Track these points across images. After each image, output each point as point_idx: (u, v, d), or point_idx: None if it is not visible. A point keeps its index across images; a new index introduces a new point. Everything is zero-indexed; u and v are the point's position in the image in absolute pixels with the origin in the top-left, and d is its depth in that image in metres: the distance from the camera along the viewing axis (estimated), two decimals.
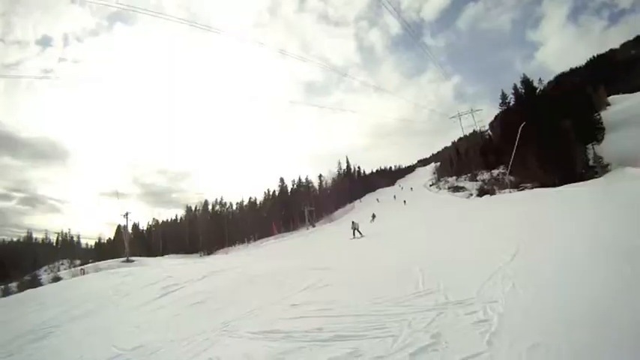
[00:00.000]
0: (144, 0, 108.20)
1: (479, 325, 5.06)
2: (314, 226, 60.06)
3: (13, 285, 42.14)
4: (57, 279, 42.78)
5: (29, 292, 27.83)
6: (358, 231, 24.79)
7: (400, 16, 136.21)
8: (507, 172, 43.63)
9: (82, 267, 51.85)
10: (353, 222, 26.18)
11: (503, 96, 49.29)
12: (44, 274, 54.32)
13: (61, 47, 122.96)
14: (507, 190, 40.45)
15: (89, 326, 12.93)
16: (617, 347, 3.86)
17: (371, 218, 38.92)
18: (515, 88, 46.90)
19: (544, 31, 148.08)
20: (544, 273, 6.96)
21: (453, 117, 70.12)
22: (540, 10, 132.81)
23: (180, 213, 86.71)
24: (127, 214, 57.17)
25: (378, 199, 67.35)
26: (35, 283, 42.19)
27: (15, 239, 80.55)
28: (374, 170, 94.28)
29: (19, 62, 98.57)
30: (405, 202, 55.89)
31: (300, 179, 79.49)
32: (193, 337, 7.93)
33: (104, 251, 72.86)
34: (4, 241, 78.48)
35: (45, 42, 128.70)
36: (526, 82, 45.82)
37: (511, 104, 48.21)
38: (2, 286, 41.41)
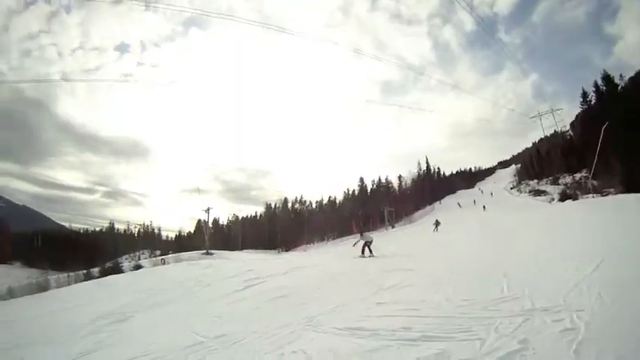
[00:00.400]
0: (217, 4, 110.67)
1: (566, 333, 5.10)
2: (393, 227, 59.56)
3: (95, 270, 44.83)
4: (138, 267, 45.07)
5: (110, 278, 29.72)
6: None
7: (473, 12, 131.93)
8: (590, 176, 41.87)
9: (163, 257, 54.32)
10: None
11: (584, 94, 47.28)
12: (125, 262, 57.46)
13: (138, 52, 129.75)
14: (590, 195, 38.77)
15: (170, 313, 13.58)
16: None
17: (434, 226, 35.35)
18: (595, 85, 44.74)
19: (622, 24, 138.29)
20: (633, 285, 6.78)
21: (532, 117, 67.51)
22: (616, 2, 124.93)
23: (260, 210, 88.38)
24: (208, 209, 59.84)
25: (459, 204, 64.70)
26: (117, 269, 44.45)
27: (98, 229, 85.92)
28: (453, 172, 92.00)
29: (99, 67, 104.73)
30: (484, 207, 53.67)
31: (379, 179, 78.68)
32: (277, 330, 8.09)
33: (184, 244, 75.75)
34: (87, 230, 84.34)
35: (123, 48, 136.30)
36: (607, 78, 43.71)
37: (592, 102, 45.94)
38: (85, 271, 44.21)
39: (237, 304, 12.75)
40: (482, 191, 73.78)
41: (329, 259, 21.71)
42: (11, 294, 35.31)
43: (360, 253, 19.62)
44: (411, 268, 13.29)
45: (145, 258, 66.23)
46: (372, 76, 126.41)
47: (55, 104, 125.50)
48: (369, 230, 29.28)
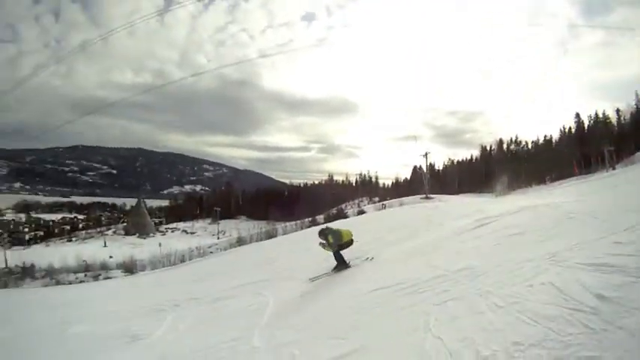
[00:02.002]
0: None
1: None
2: (614, 169, 53.92)
3: (320, 218, 50.36)
4: (361, 212, 48.47)
5: (338, 222, 31.61)
6: None
7: None
8: None
9: (383, 202, 57.41)
10: None
11: None
12: (348, 209, 61.95)
13: (325, 18, 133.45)
14: None
15: (405, 250, 14.71)
16: None
17: None
18: None
19: None
20: None
21: None
22: None
23: (475, 153, 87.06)
24: (426, 153, 61.63)
25: None
26: (341, 215, 48.32)
27: (317, 182, 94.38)
28: None
29: (292, 40, 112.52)
30: None
31: (597, 114, 71.91)
32: (522, 264, 8.54)
33: (401, 190, 78.39)
34: (306, 184, 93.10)
35: (309, 17, 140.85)
36: None
37: None
38: (310, 219, 48.87)
39: (472, 241, 13.02)
40: None
41: (557, 199, 21.01)
42: (244, 241, 41.51)
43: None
44: None
45: (364, 205, 71.09)
46: None
47: (260, 80, 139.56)
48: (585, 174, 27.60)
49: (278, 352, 8.03)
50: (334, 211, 57.56)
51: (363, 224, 24.73)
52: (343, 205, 73.25)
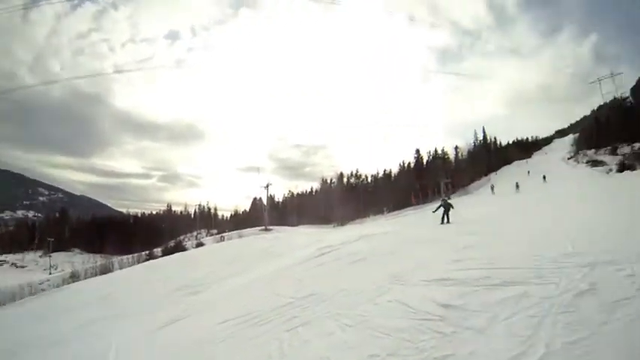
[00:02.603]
0: None
1: (629, 278, 5.93)
2: (449, 199, 57.63)
3: (158, 250, 46.81)
4: (200, 244, 47.34)
5: (176, 256, 30.84)
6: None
7: None
8: None
9: (222, 235, 56.64)
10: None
11: None
12: (187, 242, 60.20)
13: (189, 38, 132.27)
14: None
15: (248, 282, 14.69)
16: None
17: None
18: None
19: None
20: None
21: (592, 82, 65.41)
22: None
23: (315, 185, 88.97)
24: (267, 185, 62.38)
25: (517, 184, 61.72)
26: (179, 248, 46.69)
27: (155, 212, 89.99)
28: (510, 142, 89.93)
29: (151, 57, 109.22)
30: (544, 177, 50.73)
31: (435, 150, 77.75)
32: (366, 286, 8.89)
33: (240, 222, 77.67)
34: (144, 214, 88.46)
35: (173, 35, 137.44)
36: None
37: None
38: (147, 252, 46.57)
39: (317, 269, 13.48)
40: (539, 161, 72.02)
41: (394, 228, 22.32)
42: (78, 276, 37.65)
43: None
44: (479, 231, 13.90)
45: (202, 237, 68.97)
46: (427, 45, 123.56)
47: (112, 96, 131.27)
48: (424, 203, 30.49)
49: None
50: (172, 243, 55.21)
51: (203, 256, 24.48)
52: (182, 237, 70.37)
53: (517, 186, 41.28)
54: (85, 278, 35.32)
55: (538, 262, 7.78)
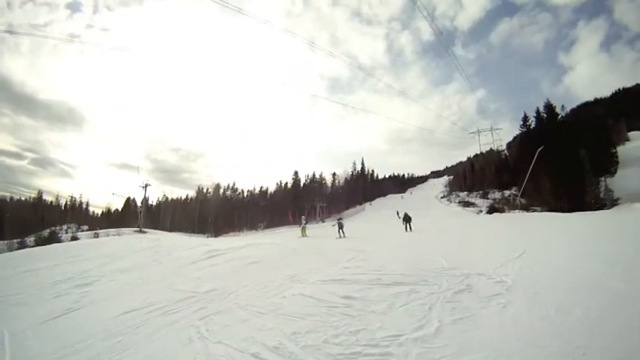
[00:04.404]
0: None
1: (498, 283, 7.55)
2: (324, 222, 60.12)
3: (30, 240, 44.21)
4: (75, 238, 44.76)
5: (54, 247, 28.35)
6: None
7: (433, 22, 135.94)
8: (519, 194, 45.25)
9: (96, 232, 53.83)
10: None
11: (525, 118, 49.38)
12: (62, 234, 56.43)
13: (90, 14, 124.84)
14: (517, 211, 41.71)
15: (140, 277, 14.04)
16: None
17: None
18: (537, 111, 47.20)
19: (576, 56, 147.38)
20: (543, 264, 9.13)
21: (472, 132, 71.08)
22: (575, 34, 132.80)
23: (191, 193, 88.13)
24: (145, 185, 57.75)
25: (395, 213, 61.48)
26: (54, 239, 43.94)
27: (23, 198, 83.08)
28: (387, 175, 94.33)
29: (47, 24, 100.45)
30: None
31: (314, 174, 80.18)
32: (266, 284, 9.68)
33: (112, 221, 74.66)
34: (12, 199, 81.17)
35: (74, 7, 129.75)
36: (549, 107, 46.34)
37: (531, 127, 48.70)
38: (18, 240, 43.31)
39: (211, 269, 13.76)
40: (412, 193, 78.48)
41: (276, 239, 23.74)
42: None
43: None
44: (361, 249, 15.04)
45: (73, 232, 64.57)
46: (321, 71, 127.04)
47: None
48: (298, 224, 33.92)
49: None
50: (46, 233, 51.44)
51: (84, 250, 22.61)
52: (49, 230, 65.16)
53: (398, 214, 42.21)
54: None
55: (420, 271, 9.15)
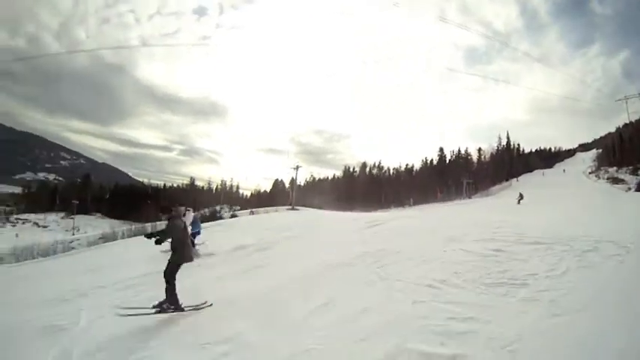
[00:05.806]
0: None
1: (623, 248, 9.41)
2: (470, 198, 60.42)
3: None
4: (234, 216, 49.58)
5: (218, 222, 31.76)
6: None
7: None
8: None
9: (252, 210, 58.28)
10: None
11: None
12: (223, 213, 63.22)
13: (216, 15, 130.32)
14: None
15: (311, 242, 15.77)
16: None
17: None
18: None
19: None
20: None
21: (618, 100, 64.55)
22: None
23: (337, 173, 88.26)
24: (297, 167, 61.62)
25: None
26: (215, 217, 49.26)
27: (176, 185, 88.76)
28: (533, 150, 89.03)
29: (177, 31, 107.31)
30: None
31: (459, 150, 77.85)
32: (426, 244, 11.69)
33: (262, 201, 77.78)
34: (165, 185, 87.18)
35: (200, 11, 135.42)
36: None
37: None
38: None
39: (373, 235, 15.24)
40: (564, 171, 72.74)
41: (421, 215, 25.92)
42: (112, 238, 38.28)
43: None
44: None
45: (226, 212, 70.78)
46: (455, 43, 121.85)
47: (135, 68, 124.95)
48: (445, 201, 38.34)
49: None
50: (206, 212, 57.05)
51: (248, 224, 25.46)
52: (215, 208, 72.27)
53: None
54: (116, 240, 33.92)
55: (558, 237, 10.84)
